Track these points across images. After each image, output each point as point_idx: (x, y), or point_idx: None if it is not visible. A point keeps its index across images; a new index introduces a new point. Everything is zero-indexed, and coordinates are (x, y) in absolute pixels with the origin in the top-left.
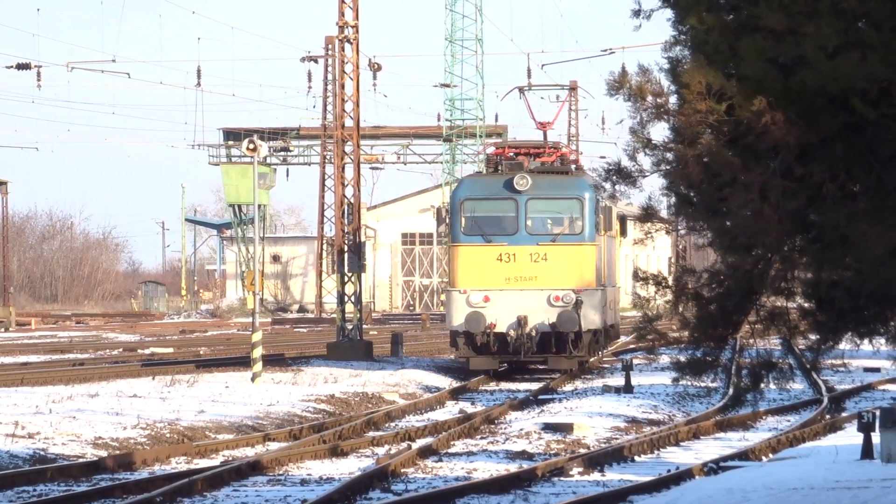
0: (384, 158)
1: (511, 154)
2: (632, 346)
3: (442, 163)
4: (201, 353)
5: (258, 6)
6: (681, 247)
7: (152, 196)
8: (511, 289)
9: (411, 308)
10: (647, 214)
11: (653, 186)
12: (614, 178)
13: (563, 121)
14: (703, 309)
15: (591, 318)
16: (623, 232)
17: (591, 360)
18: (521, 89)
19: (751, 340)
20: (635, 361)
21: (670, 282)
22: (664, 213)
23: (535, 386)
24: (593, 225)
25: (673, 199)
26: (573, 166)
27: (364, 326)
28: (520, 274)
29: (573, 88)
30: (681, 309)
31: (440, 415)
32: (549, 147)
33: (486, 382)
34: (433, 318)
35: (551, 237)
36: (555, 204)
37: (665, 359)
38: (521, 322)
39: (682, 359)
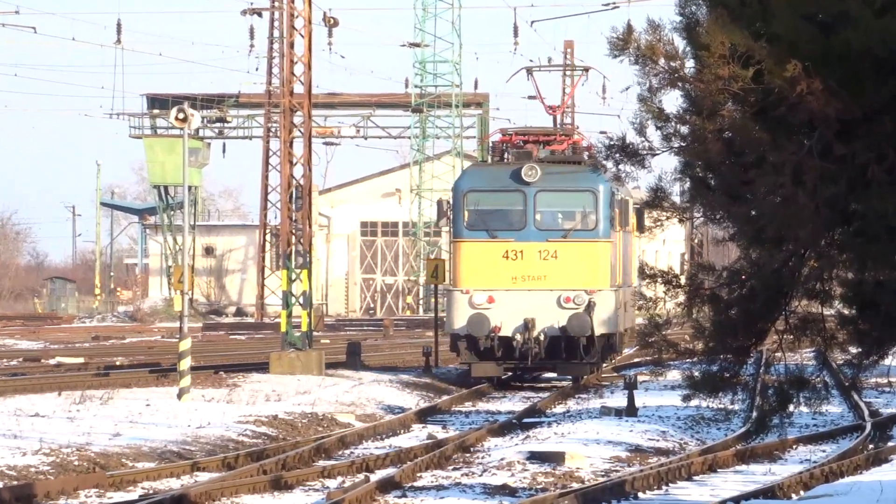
0: (341, 132)
1: (519, 142)
2: (636, 360)
3: (410, 138)
4: (118, 363)
5: None
6: (696, 240)
7: (61, 175)
8: (518, 289)
9: (372, 312)
10: (656, 199)
11: (664, 167)
12: (618, 155)
13: (556, 85)
14: (722, 314)
15: (604, 322)
16: (640, 227)
17: (605, 366)
18: (528, 70)
19: (778, 353)
20: (640, 378)
21: (683, 281)
22: (677, 200)
23: (543, 396)
24: (608, 220)
25: (688, 183)
26: (586, 155)
27: (315, 334)
28: (527, 273)
29: (587, 69)
30: (695, 313)
31: (405, 441)
32: (559, 134)
33: (469, 399)
34: (398, 324)
35: (562, 233)
36: (566, 197)
37: (675, 375)
38: (528, 325)
39: (696, 374)
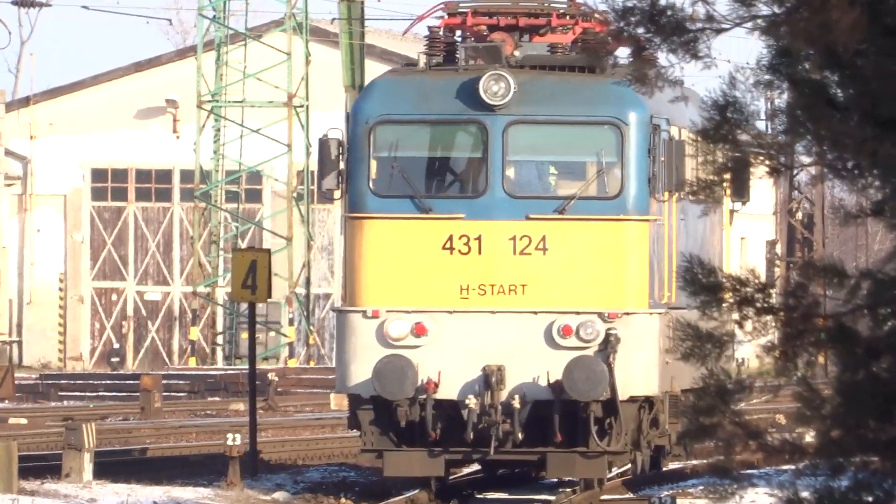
0: None
1: (481, 29)
2: (672, 464)
3: None
4: None
5: None
6: (800, 215)
7: None
8: (471, 309)
9: (117, 361)
10: (723, 125)
11: (736, 59)
12: (645, 26)
13: None
14: (860, 368)
15: (638, 376)
16: (740, 193)
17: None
18: None
19: None
20: None
21: (774, 297)
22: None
23: None
24: (645, 178)
25: (786, 93)
26: (609, 56)
27: None
28: (490, 279)
29: None
30: (801, 368)
31: None
32: (557, 13)
33: None
34: (173, 386)
35: (556, 204)
36: (564, 134)
37: (757, 496)
38: (491, 378)
39: (805, 494)
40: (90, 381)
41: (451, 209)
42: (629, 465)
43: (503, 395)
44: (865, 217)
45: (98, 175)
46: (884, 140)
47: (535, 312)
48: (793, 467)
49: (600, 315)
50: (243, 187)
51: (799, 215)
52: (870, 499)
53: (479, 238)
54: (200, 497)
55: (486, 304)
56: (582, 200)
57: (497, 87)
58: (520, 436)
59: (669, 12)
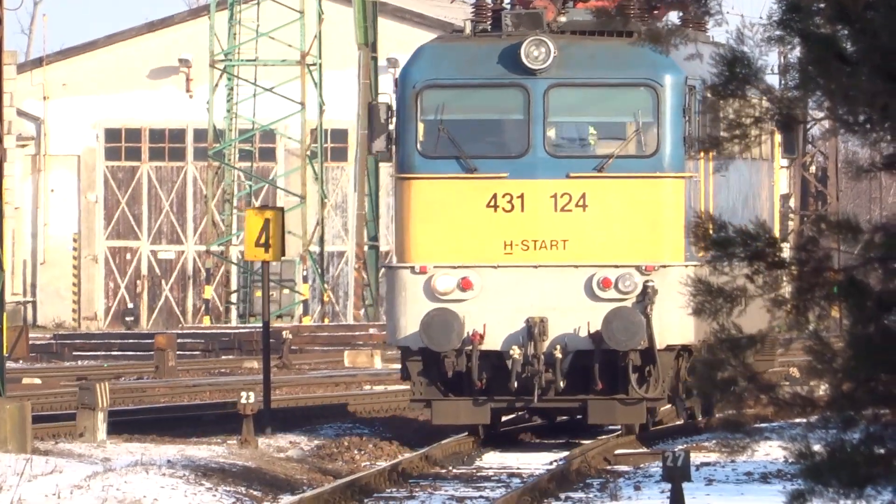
0: None
1: None
2: (680, 420)
3: None
4: None
5: None
6: (812, 168)
7: None
8: (515, 264)
9: (131, 320)
10: (734, 79)
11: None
12: None
13: None
14: (872, 322)
15: (674, 325)
16: (790, 149)
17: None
18: None
19: None
20: (698, 458)
21: (787, 252)
22: (775, 84)
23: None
24: (680, 137)
25: (797, 47)
26: (642, 24)
27: (12, 366)
28: (533, 235)
29: None
30: (813, 322)
31: None
32: None
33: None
34: (187, 345)
35: (596, 162)
36: (602, 96)
37: (773, 449)
38: (534, 330)
39: (818, 449)
40: (104, 341)
41: (495, 169)
42: (670, 410)
43: (545, 346)
44: (878, 171)
45: (111, 135)
46: (894, 94)
47: (576, 266)
48: (804, 421)
49: (638, 268)
50: (257, 146)
51: (812, 169)
52: (881, 451)
53: (521, 196)
54: (214, 455)
55: (529, 259)
56: (620, 159)
57: (538, 51)
58: (561, 384)
59: None
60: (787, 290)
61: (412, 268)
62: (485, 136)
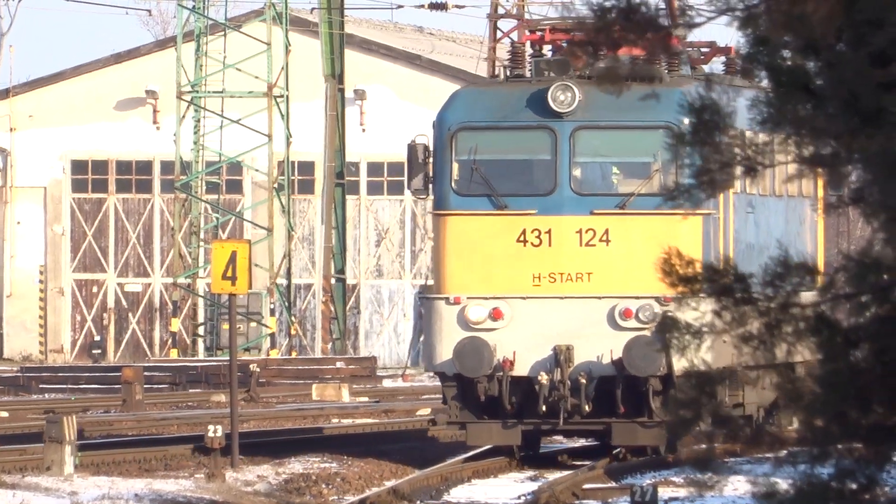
0: None
1: (559, 42)
2: (645, 456)
3: None
4: None
5: None
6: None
7: None
8: (543, 296)
9: (98, 354)
10: (703, 122)
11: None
12: (615, 28)
13: None
14: (841, 358)
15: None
16: (835, 185)
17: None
18: None
19: None
20: (667, 493)
21: (754, 288)
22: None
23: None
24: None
25: (764, 80)
26: (667, 70)
27: None
28: (559, 268)
29: None
30: (781, 356)
31: None
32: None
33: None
34: (154, 378)
35: (618, 200)
36: (624, 138)
37: (741, 484)
38: (560, 357)
39: (785, 486)
40: (71, 374)
41: (524, 206)
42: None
43: (571, 372)
44: (846, 206)
45: (78, 167)
46: (859, 129)
47: (600, 297)
48: (773, 457)
49: (657, 299)
50: (224, 178)
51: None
52: (853, 486)
53: (549, 231)
54: (182, 489)
55: (556, 291)
56: (641, 197)
57: (564, 96)
58: (586, 408)
59: (644, 9)
60: (754, 325)
61: (447, 298)
62: (515, 175)
